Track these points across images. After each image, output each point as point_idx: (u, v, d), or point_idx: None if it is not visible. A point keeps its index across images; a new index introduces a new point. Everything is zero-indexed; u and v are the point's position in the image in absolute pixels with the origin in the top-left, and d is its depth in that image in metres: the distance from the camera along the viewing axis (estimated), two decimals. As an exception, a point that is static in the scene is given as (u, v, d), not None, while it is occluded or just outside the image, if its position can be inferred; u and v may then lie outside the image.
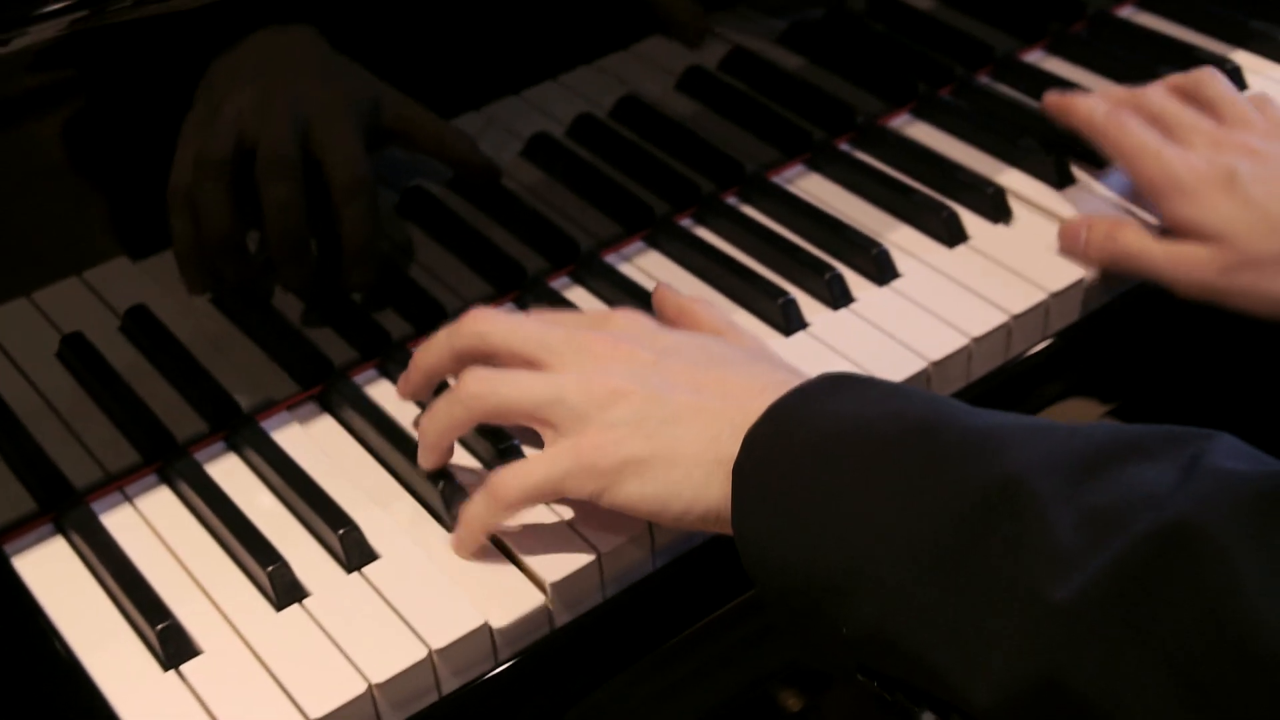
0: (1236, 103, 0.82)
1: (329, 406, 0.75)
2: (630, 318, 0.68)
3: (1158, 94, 0.83)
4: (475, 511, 0.65)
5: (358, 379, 0.76)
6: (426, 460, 0.68)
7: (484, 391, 0.64)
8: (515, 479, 0.63)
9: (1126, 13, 1.01)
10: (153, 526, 0.69)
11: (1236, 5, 0.99)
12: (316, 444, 0.73)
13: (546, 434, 0.64)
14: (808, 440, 0.58)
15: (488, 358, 0.66)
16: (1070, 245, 0.80)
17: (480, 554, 0.66)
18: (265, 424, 0.74)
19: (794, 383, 0.62)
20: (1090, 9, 1.00)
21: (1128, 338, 0.84)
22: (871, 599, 0.55)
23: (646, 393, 0.62)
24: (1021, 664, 0.51)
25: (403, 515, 0.69)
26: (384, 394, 0.75)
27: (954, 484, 0.54)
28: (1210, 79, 0.83)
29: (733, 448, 0.60)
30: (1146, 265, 0.78)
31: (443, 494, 0.68)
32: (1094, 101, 0.83)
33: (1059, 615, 0.50)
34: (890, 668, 0.57)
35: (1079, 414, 0.85)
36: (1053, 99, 0.85)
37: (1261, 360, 0.94)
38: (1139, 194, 0.83)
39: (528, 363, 0.65)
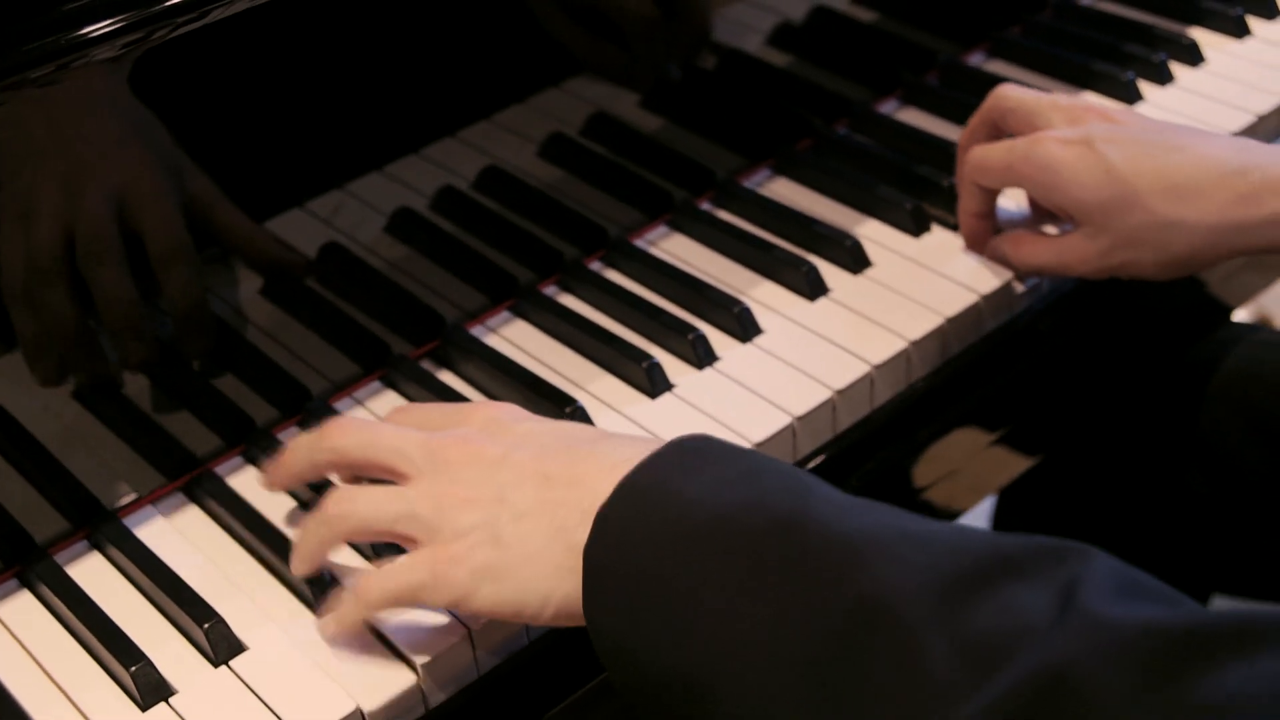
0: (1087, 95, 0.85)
1: (194, 498, 0.74)
2: (489, 412, 0.67)
3: (1010, 91, 0.84)
4: (344, 610, 0.64)
5: (222, 468, 0.75)
6: (300, 570, 0.67)
7: (343, 512, 0.64)
8: (377, 585, 0.62)
9: (976, 60, 1.03)
10: (13, 633, 0.68)
11: (1079, 48, 1.02)
12: (181, 537, 0.72)
13: (410, 546, 0.64)
14: (661, 528, 0.56)
15: (349, 468, 0.67)
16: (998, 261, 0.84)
17: (353, 637, 0.66)
18: (128, 520, 0.72)
19: (644, 454, 0.60)
20: (940, 58, 1.02)
21: (991, 378, 0.85)
22: (732, 706, 0.54)
23: (493, 494, 0.61)
24: None
25: (270, 603, 0.68)
26: (249, 482, 0.75)
27: (818, 598, 0.52)
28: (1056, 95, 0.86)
29: (582, 534, 0.59)
30: (1049, 269, 0.82)
31: (309, 580, 0.67)
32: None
33: None
34: None
35: (960, 449, 0.86)
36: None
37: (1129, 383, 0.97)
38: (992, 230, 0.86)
39: (387, 472, 0.65)
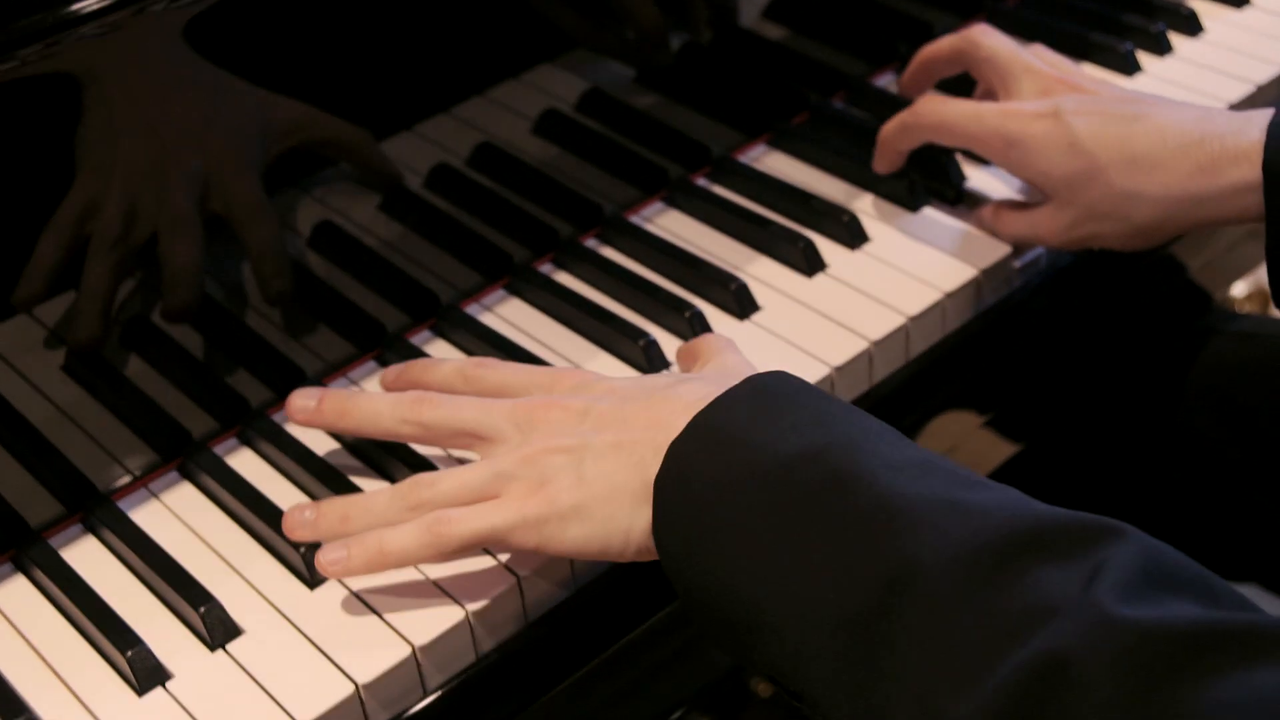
0: (1064, 60, 0.85)
1: (189, 478, 0.74)
2: (574, 377, 0.69)
3: (986, 39, 0.84)
4: (406, 543, 0.63)
5: (218, 450, 0.75)
6: (306, 535, 0.67)
7: (432, 496, 0.64)
8: (463, 523, 0.63)
9: (973, 32, 1.02)
10: (8, 618, 0.68)
11: (1076, 19, 1.01)
12: (177, 519, 0.72)
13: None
14: (726, 468, 0.59)
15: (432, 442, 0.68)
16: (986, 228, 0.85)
17: (349, 619, 0.65)
18: (122, 503, 0.72)
19: (718, 393, 0.62)
20: (937, 29, 1.01)
21: (992, 353, 0.85)
22: (775, 646, 0.56)
23: (576, 442, 0.64)
24: None
25: (267, 586, 0.68)
26: (245, 463, 0.74)
27: (861, 559, 0.54)
28: (1041, 48, 0.86)
29: (656, 467, 0.61)
30: (1023, 239, 0.83)
31: (304, 556, 0.67)
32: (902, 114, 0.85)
33: None
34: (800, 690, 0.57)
35: (957, 426, 0.86)
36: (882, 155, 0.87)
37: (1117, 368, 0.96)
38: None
39: (474, 440, 0.66)
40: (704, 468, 0.59)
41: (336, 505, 0.67)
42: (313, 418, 0.70)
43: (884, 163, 0.87)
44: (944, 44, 0.87)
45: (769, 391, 0.62)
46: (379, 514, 0.65)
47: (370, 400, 0.69)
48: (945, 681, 0.50)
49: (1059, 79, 0.81)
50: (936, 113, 0.82)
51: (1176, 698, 0.46)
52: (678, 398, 0.64)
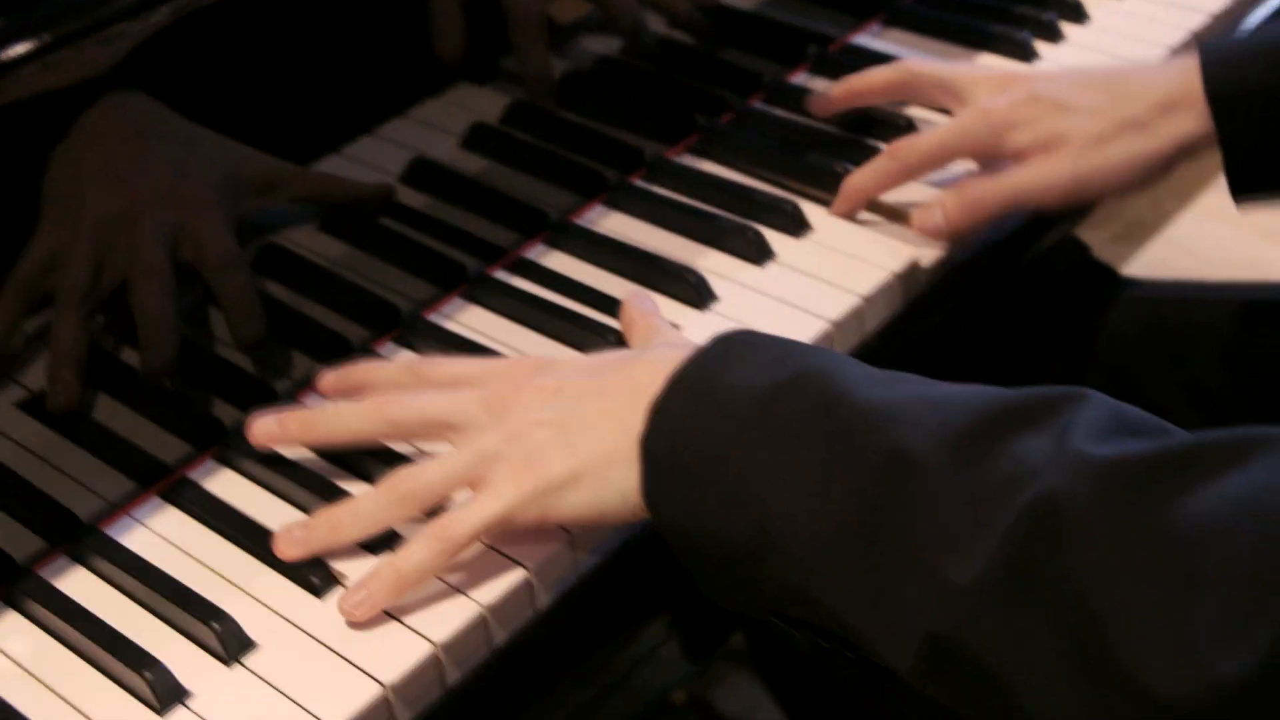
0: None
1: (173, 502, 0.73)
2: (528, 360, 0.71)
3: (925, 66, 0.87)
4: (419, 558, 0.64)
5: (195, 473, 0.74)
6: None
7: (419, 487, 0.65)
8: (466, 520, 0.64)
9: (875, 31, 1.06)
10: (12, 659, 0.66)
11: (971, 13, 1.05)
12: (170, 544, 0.71)
13: (481, 485, 0.65)
14: (711, 412, 0.61)
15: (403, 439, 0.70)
16: (932, 231, 0.84)
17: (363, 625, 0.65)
18: (110, 530, 0.71)
19: (689, 353, 0.64)
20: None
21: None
22: (783, 565, 0.59)
23: (560, 414, 0.65)
24: (930, 631, 0.55)
25: (272, 597, 0.67)
26: (228, 485, 0.73)
27: (851, 461, 0.57)
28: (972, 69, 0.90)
29: (643, 430, 0.62)
30: (1014, 198, 0.83)
31: (313, 567, 0.67)
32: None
33: (959, 595, 0.54)
34: (810, 619, 0.60)
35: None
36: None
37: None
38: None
39: (447, 432, 0.67)
40: (688, 419, 0.62)
41: (324, 517, 0.67)
42: (277, 437, 0.71)
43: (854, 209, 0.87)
44: (876, 76, 0.89)
45: (739, 342, 0.64)
46: (368, 515, 0.66)
47: (334, 409, 0.70)
48: (948, 552, 0.54)
49: (1008, 74, 0.85)
50: (916, 150, 0.84)
51: (1160, 512, 0.51)
52: (651, 361, 0.66)
